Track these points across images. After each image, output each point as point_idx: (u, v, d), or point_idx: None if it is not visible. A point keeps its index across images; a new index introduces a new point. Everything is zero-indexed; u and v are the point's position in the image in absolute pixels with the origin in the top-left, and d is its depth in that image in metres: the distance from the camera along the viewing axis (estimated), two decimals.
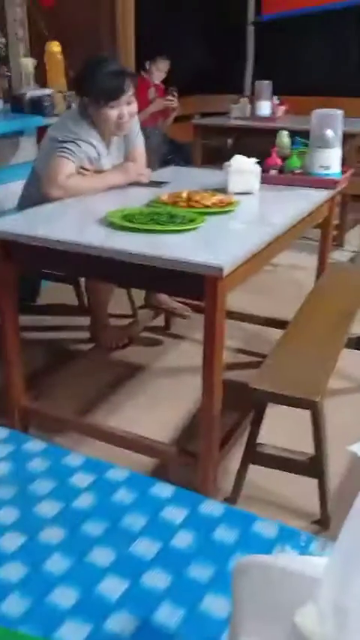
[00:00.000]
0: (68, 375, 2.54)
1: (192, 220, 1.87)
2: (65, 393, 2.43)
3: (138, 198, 2.20)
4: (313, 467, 1.76)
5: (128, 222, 1.83)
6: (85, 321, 2.90)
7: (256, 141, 6.10)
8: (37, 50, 4.06)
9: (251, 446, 1.81)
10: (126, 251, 1.66)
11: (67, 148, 2.25)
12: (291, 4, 6.21)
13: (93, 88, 2.23)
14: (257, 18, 6.70)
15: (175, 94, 4.79)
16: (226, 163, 2.28)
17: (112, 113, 2.30)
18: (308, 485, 1.82)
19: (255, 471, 1.85)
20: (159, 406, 2.40)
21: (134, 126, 2.49)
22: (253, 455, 1.81)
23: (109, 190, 2.34)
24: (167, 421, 2.28)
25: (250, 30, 6.81)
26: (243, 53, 6.81)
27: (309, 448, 1.76)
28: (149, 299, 2.91)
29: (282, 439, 1.93)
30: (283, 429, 2.08)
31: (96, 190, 2.30)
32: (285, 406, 1.70)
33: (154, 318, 3.03)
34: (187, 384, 2.55)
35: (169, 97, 4.78)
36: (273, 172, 2.47)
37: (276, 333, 2.91)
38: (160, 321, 3.07)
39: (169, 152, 4.89)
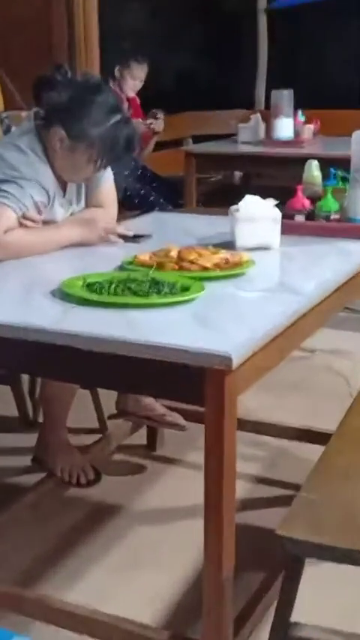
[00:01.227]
0: (5, 523, 2.51)
1: (185, 289, 1.90)
2: (1, 550, 2.39)
3: (107, 259, 2.23)
4: None
5: (93, 294, 1.86)
6: (29, 439, 2.89)
7: (274, 175, 6.30)
8: None
9: (281, 627, 1.77)
10: (90, 335, 1.68)
11: (6, 191, 2.32)
12: None
13: (80, 126, 2.33)
14: (271, 4, 7.02)
15: (161, 115, 4.99)
16: (233, 207, 2.35)
17: (88, 167, 2.40)
18: None
19: None
20: (141, 569, 2.36)
21: None
22: None
23: (65, 249, 2.39)
24: (154, 592, 2.24)
25: (262, 20, 7.11)
26: (252, 52, 7.15)
27: None
28: (124, 404, 2.92)
29: (330, 614, 1.89)
30: (330, 597, 2.03)
31: (46, 249, 2.35)
32: (332, 562, 1.68)
33: (133, 433, 3.03)
34: (182, 532, 2.52)
35: (152, 119, 4.98)
36: (299, 219, 2.54)
37: (313, 452, 2.90)
38: (141, 436, 3.07)
39: (149, 192, 5.04)
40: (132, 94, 5.13)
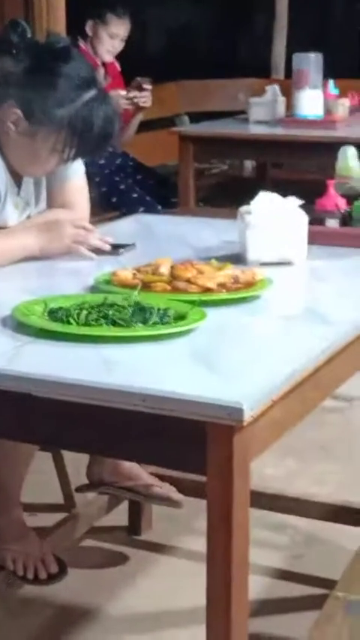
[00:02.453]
0: None
1: (180, 318, 1.90)
2: None
3: (74, 277, 2.24)
4: None
5: (57, 324, 1.85)
6: None
7: (297, 165, 6.32)
8: None
9: None
10: (52, 379, 1.68)
11: None
12: None
13: (42, 105, 2.34)
14: None
15: (148, 86, 5.02)
16: (243, 208, 2.37)
17: (52, 159, 2.41)
18: None
19: None
20: None
21: None
22: None
23: (18, 263, 2.40)
24: None
25: None
26: (268, 1, 7.21)
27: None
28: (98, 472, 2.91)
29: None
30: None
31: None
32: None
33: (110, 510, 3.02)
34: None
35: (135, 91, 5.00)
36: (331, 224, 2.56)
37: (349, 536, 2.89)
38: (120, 515, 3.06)
39: (131, 187, 5.06)
40: (109, 57, 5.16)
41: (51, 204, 2.60)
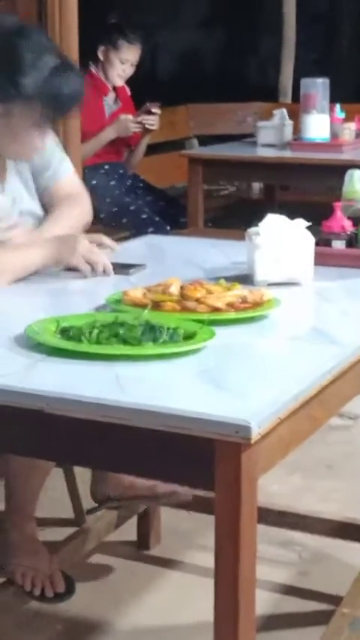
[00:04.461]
0: None
1: (190, 337, 1.90)
2: None
3: (87, 297, 2.24)
4: None
5: (69, 343, 1.86)
6: None
7: (304, 187, 6.31)
8: None
9: None
10: (64, 397, 1.68)
11: None
12: None
13: (12, 81, 2.33)
14: None
15: (157, 110, 5.04)
16: (252, 230, 2.37)
17: (33, 133, 2.41)
18: None
19: None
20: None
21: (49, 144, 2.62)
22: None
23: (33, 282, 2.41)
24: None
25: None
26: (277, 26, 7.22)
27: None
28: (102, 490, 2.89)
29: None
30: None
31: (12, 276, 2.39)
32: None
33: (119, 526, 3.01)
34: None
35: (144, 115, 5.02)
36: (338, 245, 2.56)
37: (356, 552, 2.89)
38: (129, 530, 3.05)
39: (141, 208, 5.07)
40: (120, 82, 5.18)
41: (48, 203, 2.63)
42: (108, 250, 2.59)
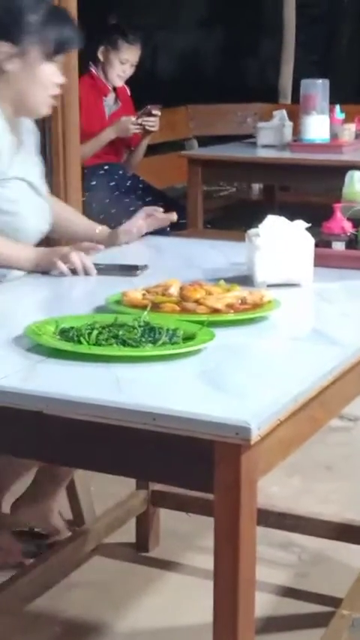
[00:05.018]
0: None
1: (189, 338, 1.90)
2: None
3: (86, 298, 2.24)
4: None
5: (68, 344, 1.86)
6: None
7: (304, 189, 6.31)
8: None
9: None
10: (64, 398, 1.68)
11: None
12: None
13: (22, 24, 2.47)
14: None
15: (157, 112, 5.03)
16: (251, 231, 2.37)
17: (53, 69, 2.52)
18: None
19: None
20: None
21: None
22: None
23: (31, 284, 2.41)
24: None
25: None
26: (276, 28, 7.23)
27: None
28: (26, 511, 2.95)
29: None
30: None
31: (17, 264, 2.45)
32: None
33: (118, 527, 3.00)
34: None
35: (144, 116, 5.01)
36: (337, 247, 2.56)
37: (355, 554, 2.88)
38: (128, 532, 3.05)
39: (140, 207, 5.05)
40: (120, 82, 5.17)
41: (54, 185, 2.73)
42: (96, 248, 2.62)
